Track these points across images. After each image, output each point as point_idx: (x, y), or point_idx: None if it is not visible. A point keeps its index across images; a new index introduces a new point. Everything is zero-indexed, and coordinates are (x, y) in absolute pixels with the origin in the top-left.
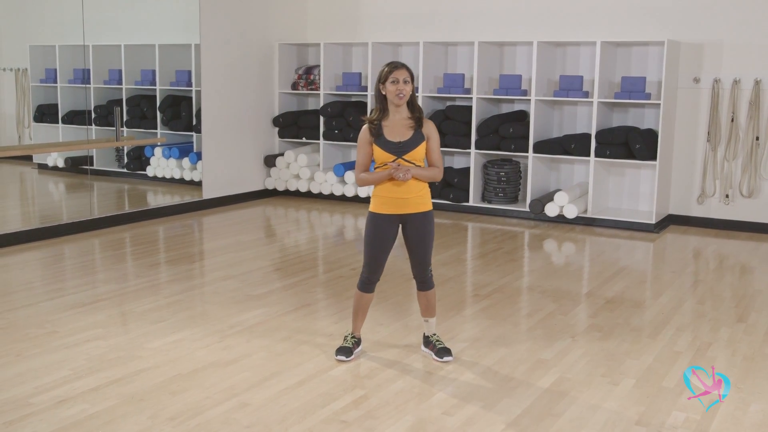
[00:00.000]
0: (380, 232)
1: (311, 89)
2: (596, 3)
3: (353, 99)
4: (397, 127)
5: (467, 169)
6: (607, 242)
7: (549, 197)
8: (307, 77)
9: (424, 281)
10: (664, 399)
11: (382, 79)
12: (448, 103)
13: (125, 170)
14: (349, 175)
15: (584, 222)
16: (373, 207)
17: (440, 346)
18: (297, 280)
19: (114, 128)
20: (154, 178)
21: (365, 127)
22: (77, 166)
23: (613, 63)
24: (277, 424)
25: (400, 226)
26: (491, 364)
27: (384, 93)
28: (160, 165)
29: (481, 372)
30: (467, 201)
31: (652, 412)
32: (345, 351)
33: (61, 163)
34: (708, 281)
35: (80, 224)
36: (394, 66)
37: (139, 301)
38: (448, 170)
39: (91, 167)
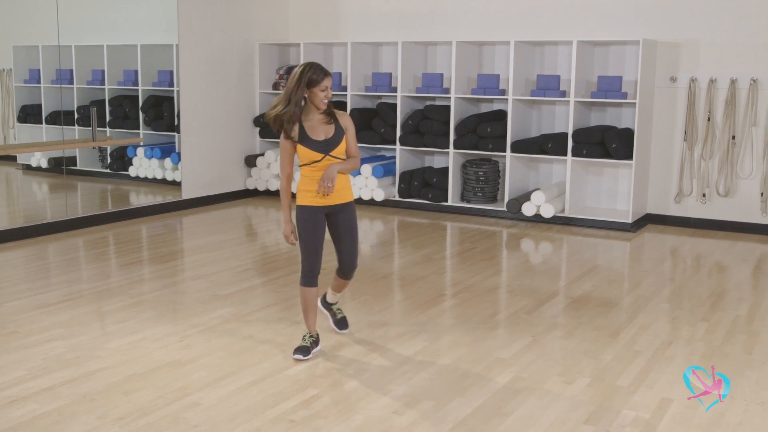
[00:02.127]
0: (311, 222)
1: None
2: (575, 2)
3: (334, 99)
4: (318, 126)
5: (446, 169)
6: (582, 241)
7: (527, 197)
8: (288, 77)
9: (352, 270)
10: (616, 398)
11: (310, 84)
12: (428, 103)
13: (108, 170)
14: None
15: (562, 221)
16: (300, 201)
17: (341, 315)
18: (266, 280)
19: (90, 128)
20: (137, 179)
21: (282, 138)
22: (61, 166)
23: (590, 62)
24: (226, 423)
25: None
26: (448, 363)
27: (305, 95)
28: (143, 165)
29: (436, 371)
30: (446, 201)
31: (603, 411)
32: (303, 350)
33: (44, 164)
34: (678, 280)
35: (58, 224)
36: (324, 74)
37: (105, 301)
38: (427, 170)
39: (71, 167)
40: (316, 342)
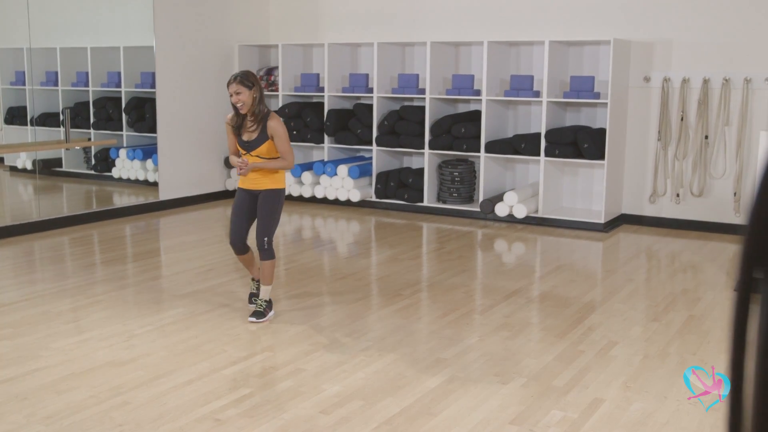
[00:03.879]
0: (237, 201)
1: (272, 90)
2: (550, 2)
3: (314, 100)
4: (247, 129)
5: (422, 170)
6: (553, 242)
7: (500, 197)
8: (267, 78)
9: (261, 250)
10: (547, 398)
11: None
12: (405, 104)
13: (93, 172)
14: (306, 176)
15: (536, 222)
16: (238, 184)
17: (256, 309)
18: (226, 281)
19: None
20: (119, 180)
21: (227, 120)
22: (46, 168)
23: (565, 62)
24: (150, 422)
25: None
26: (387, 363)
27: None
28: (125, 167)
29: (373, 371)
30: (422, 201)
31: (531, 411)
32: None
33: (29, 165)
34: (639, 280)
35: (30, 225)
36: (231, 79)
37: (60, 301)
38: (403, 170)
39: (57, 169)
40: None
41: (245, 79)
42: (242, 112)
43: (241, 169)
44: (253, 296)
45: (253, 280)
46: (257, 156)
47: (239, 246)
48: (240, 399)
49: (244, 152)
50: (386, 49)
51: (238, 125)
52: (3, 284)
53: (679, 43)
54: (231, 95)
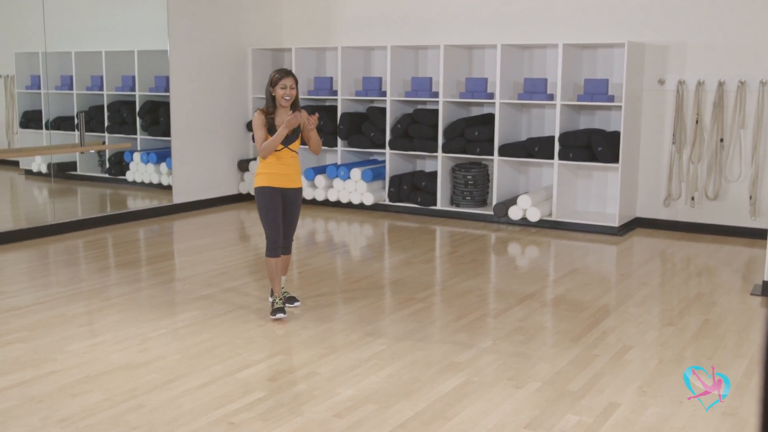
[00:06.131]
0: (270, 201)
1: None
2: (563, 5)
3: (328, 103)
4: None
5: (435, 173)
6: (567, 245)
7: (514, 201)
8: None
9: (288, 246)
10: (562, 402)
11: (272, 84)
12: (418, 107)
13: (107, 175)
14: (320, 179)
15: (549, 225)
16: (258, 183)
17: (288, 295)
18: (239, 284)
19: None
20: (133, 183)
21: (259, 113)
22: (61, 171)
23: (579, 65)
24: (165, 425)
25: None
26: (401, 367)
27: (274, 95)
28: (139, 170)
29: (387, 375)
30: (435, 204)
31: (546, 415)
32: (279, 311)
33: (44, 169)
34: (654, 284)
35: (40, 229)
36: (284, 74)
37: (75, 304)
38: (416, 174)
39: (72, 172)
40: (289, 299)
41: (295, 77)
42: (284, 105)
43: (292, 121)
44: (279, 311)
45: (280, 298)
46: (290, 149)
47: (280, 248)
48: (254, 402)
49: (280, 147)
50: (399, 53)
51: (272, 116)
52: (18, 287)
53: (694, 45)
54: (284, 87)
